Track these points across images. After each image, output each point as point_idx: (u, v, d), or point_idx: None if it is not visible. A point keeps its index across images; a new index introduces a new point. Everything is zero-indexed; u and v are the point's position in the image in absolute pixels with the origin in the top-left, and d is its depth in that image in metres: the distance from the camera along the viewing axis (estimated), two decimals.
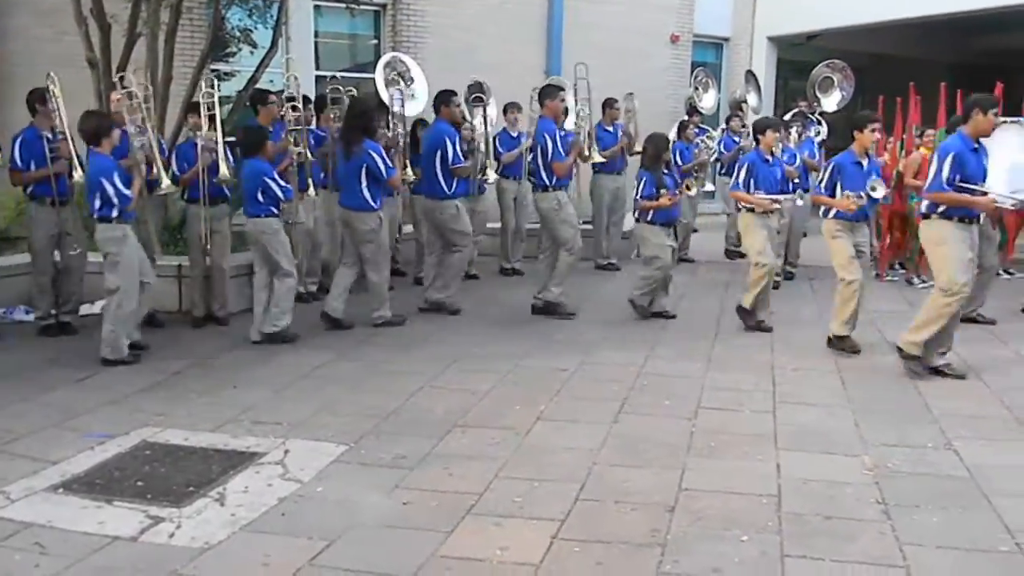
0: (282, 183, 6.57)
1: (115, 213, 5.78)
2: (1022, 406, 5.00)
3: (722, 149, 10.09)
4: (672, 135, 10.42)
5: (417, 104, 8.54)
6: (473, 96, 8.39)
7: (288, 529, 3.49)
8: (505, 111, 9.30)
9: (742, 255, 9.11)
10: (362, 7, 10.69)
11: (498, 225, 9.38)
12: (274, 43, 8.99)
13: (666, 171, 7.27)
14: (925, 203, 5.60)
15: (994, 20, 12.99)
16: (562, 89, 7.52)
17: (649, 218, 7.12)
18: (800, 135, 8.61)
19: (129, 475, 3.99)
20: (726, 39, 15.08)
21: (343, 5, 10.35)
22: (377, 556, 3.28)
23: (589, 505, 3.68)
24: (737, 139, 9.69)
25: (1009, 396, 5.20)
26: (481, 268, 9.10)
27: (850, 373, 5.74)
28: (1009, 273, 9.16)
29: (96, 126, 5.81)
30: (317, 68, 11.32)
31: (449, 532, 3.44)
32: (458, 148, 7.29)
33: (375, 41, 12.03)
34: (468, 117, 8.39)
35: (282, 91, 7.70)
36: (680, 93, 13.01)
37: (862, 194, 6.07)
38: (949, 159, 5.35)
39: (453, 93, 7.54)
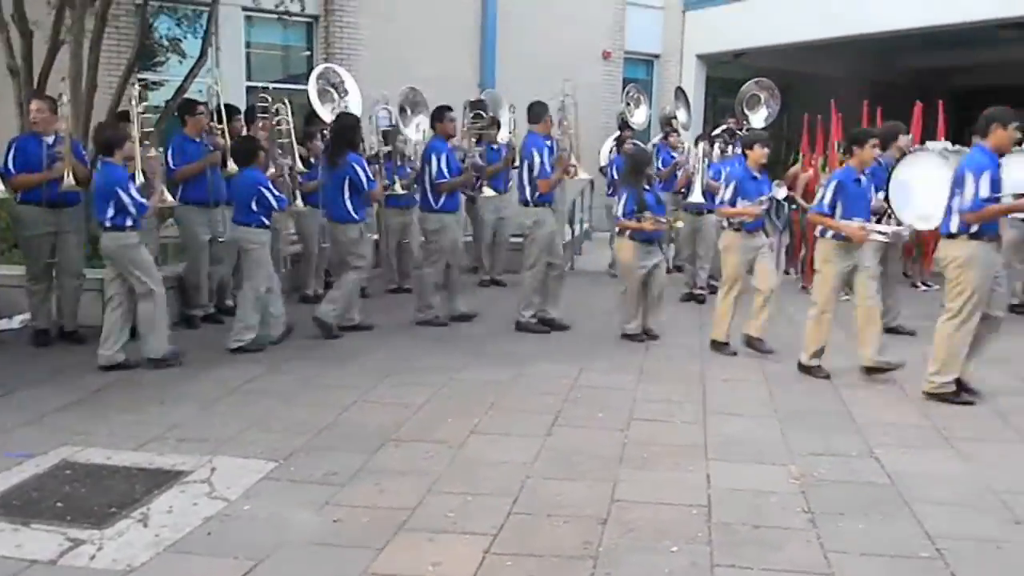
0: (276, 193, 6.62)
1: (129, 222, 5.91)
2: (940, 415, 5.18)
3: (659, 165, 10.24)
4: (608, 150, 10.62)
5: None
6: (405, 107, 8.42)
7: (214, 549, 3.40)
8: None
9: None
10: (294, 18, 10.59)
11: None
12: (203, 53, 8.83)
13: (647, 188, 7.02)
14: (955, 222, 5.28)
15: (914, 40, 13.51)
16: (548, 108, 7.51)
17: (629, 234, 6.95)
18: (723, 151, 8.75)
19: (48, 496, 3.85)
20: (656, 56, 15.36)
21: (275, 16, 10.24)
22: (306, 575, 3.22)
23: (522, 519, 3.68)
24: (675, 155, 9.84)
25: (928, 405, 5.37)
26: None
27: (777, 383, 5.86)
28: (927, 285, 9.48)
29: (109, 137, 5.97)
30: (248, 79, 11.17)
31: (380, 549, 3.40)
32: (442, 164, 7.31)
33: (308, 53, 11.93)
34: (401, 128, 8.38)
35: (206, 102, 7.59)
36: (612, 108, 13.17)
37: (865, 223, 5.84)
38: (986, 177, 5.14)
39: (448, 108, 7.59)
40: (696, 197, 7.48)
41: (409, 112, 8.55)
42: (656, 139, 9.21)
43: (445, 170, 7.31)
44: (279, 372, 5.96)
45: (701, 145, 7.89)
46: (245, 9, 10.73)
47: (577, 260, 11.02)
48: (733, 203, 6.58)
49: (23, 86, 7.47)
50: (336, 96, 8.49)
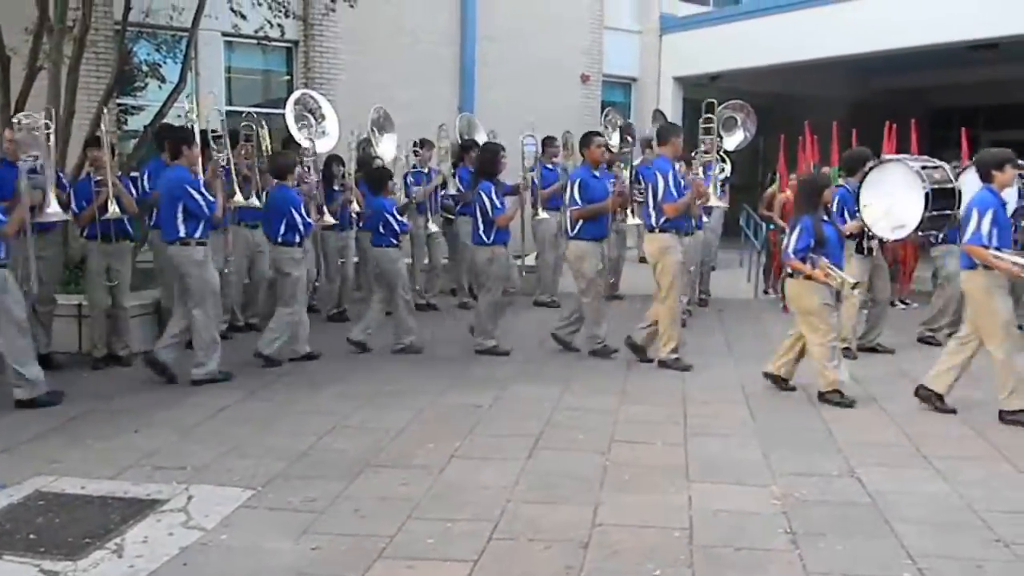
0: (304, 216, 6.89)
1: (297, 239, 6.82)
2: (920, 433, 5.20)
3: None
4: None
5: (329, 140, 8.50)
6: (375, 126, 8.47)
7: None
8: (422, 146, 9.37)
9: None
10: (274, 43, 10.61)
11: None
12: (182, 78, 8.82)
13: (826, 219, 6.18)
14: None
15: (888, 62, 13.70)
16: (680, 129, 7.28)
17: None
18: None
19: (21, 527, 3.78)
20: (634, 79, 15.50)
21: (254, 41, 10.25)
22: None
23: (503, 544, 3.64)
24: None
25: (908, 423, 5.39)
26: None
27: (758, 404, 5.87)
28: (905, 303, 9.56)
29: (281, 164, 6.99)
30: (229, 103, 11.16)
31: None
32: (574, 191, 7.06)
33: (288, 77, 11.95)
34: (376, 148, 8.44)
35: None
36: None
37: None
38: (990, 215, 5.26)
39: (597, 134, 7.51)
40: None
41: (378, 133, 8.58)
42: (637, 161, 9.28)
43: (578, 197, 6.95)
44: (256, 398, 5.91)
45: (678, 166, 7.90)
46: (225, 34, 10.75)
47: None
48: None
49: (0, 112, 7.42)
50: (313, 121, 8.52)
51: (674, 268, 6.69)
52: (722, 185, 10.91)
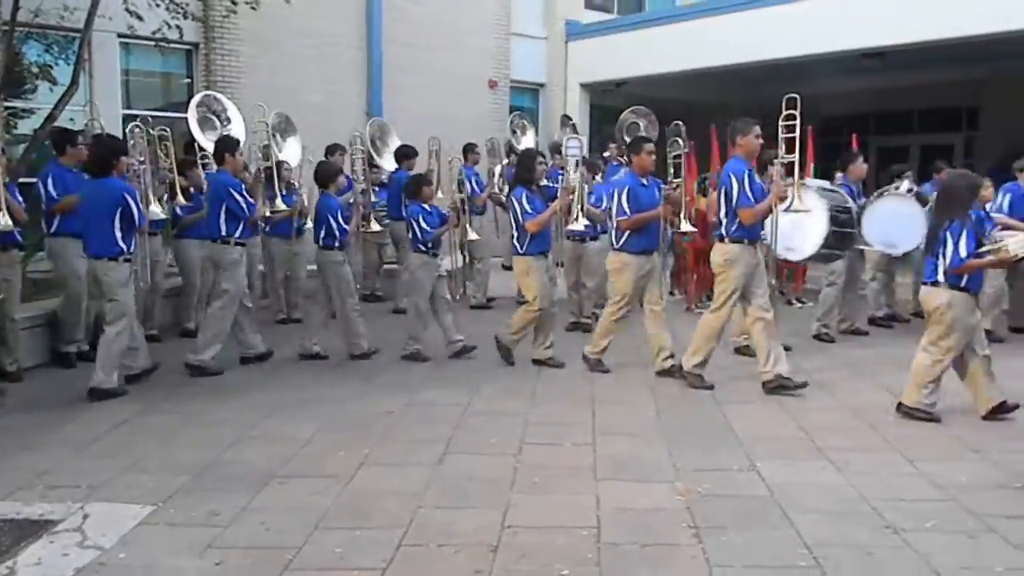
0: (343, 224, 7.30)
1: (337, 244, 7.28)
2: (816, 426, 5.40)
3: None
4: (497, 176, 10.76)
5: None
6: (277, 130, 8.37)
7: None
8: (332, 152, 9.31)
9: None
10: (173, 45, 10.31)
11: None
12: (75, 80, 8.48)
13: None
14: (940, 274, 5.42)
15: (784, 70, 14.19)
16: (757, 124, 6.44)
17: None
18: (595, 176, 8.83)
19: None
20: (541, 85, 15.66)
21: (152, 43, 9.95)
22: None
23: (412, 550, 3.63)
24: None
25: (805, 417, 5.60)
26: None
27: (664, 402, 6.00)
28: (801, 302, 9.92)
29: (325, 171, 7.48)
30: (126, 107, 10.80)
31: None
32: (623, 200, 6.63)
33: (188, 80, 11.63)
34: (276, 152, 8.31)
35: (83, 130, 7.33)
36: (499, 136, 13.37)
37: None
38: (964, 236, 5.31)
39: (647, 140, 7.16)
40: (577, 224, 7.58)
41: (279, 138, 8.47)
42: (549, 165, 9.42)
43: (626, 206, 6.55)
44: (156, 411, 5.73)
45: (580, 171, 8.00)
46: (120, 36, 10.39)
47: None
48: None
49: None
50: (218, 124, 8.36)
51: (736, 282, 6.16)
52: None
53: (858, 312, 8.67)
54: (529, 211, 6.87)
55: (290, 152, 8.80)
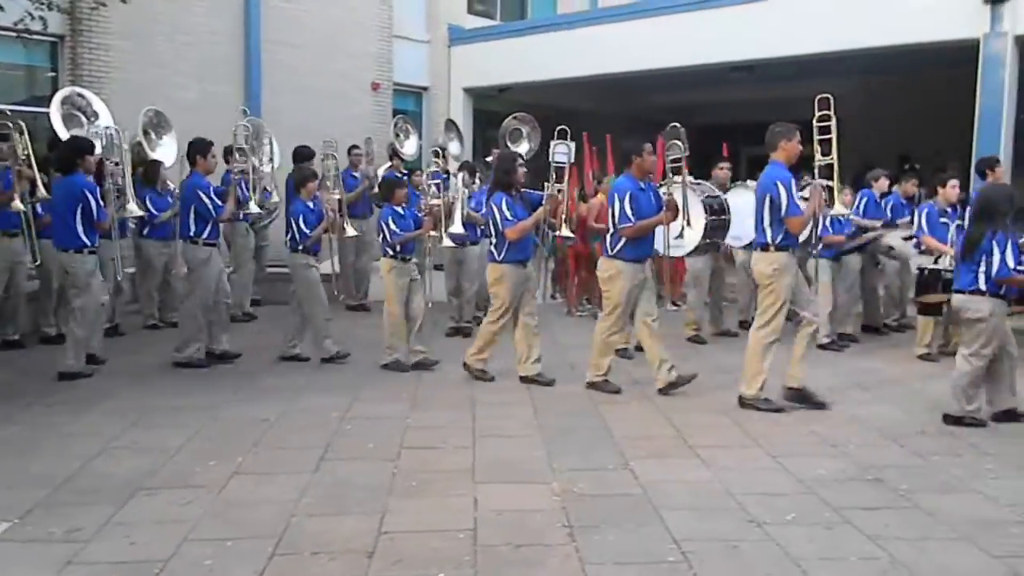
0: (303, 228, 7.22)
1: (301, 247, 7.21)
2: (687, 424, 5.60)
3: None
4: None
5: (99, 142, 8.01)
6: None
7: None
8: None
9: None
10: (37, 37, 9.78)
11: None
12: None
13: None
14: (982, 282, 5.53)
15: (658, 80, 14.67)
16: (799, 129, 6.16)
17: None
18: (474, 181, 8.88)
19: None
20: (425, 88, 15.64)
21: (14, 35, 9.41)
22: None
23: (285, 560, 3.57)
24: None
25: (675, 416, 5.79)
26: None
27: (542, 403, 6.10)
28: (676, 305, 10.24)
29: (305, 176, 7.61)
30: None
31: None
32: (625, 206, 6.32)
33: (53, 74, 11.05)
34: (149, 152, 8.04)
35: None
36: (382, 139, 13.28)
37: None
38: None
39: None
40: (457, 229, 7.61)
41: (154, 136, 8.18)
42: (430, 169, 9.41)
43: (629, 212, 6.20)
44: (12, 422, 5.43)
45: (461, 175, 8.04)
46: None
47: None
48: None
49: None
50: (84, 120, 8.00)
51: (785, 293, 5.88)
52: None
53: (728, 314, 9.05)
54: (509, 218, 6.53)
55: (165, 151, 8.47)
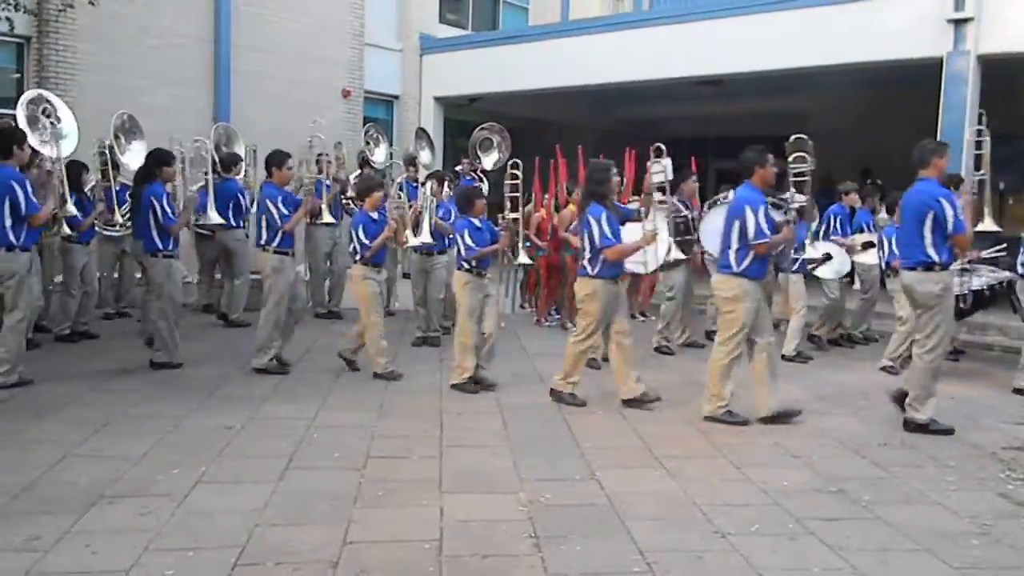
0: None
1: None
2: (653, 435, 5.63)
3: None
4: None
5: (67, 144, 7.91)
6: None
7: None
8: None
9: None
10: (1, 38, 9.65)
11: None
12: None
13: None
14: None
15: (626, 93, 14.79)
16: (946, 146, 6.03)
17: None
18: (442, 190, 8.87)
19: None
20: (396, 97, 15.63)
21: None
22: None
23: (248, 570, 3.53)
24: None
25: (642, 427, 5.83)
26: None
27: (510, 413, 6.10)
28: (644, 316, 10.31)
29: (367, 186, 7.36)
30: None
31: None
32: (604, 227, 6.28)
33: (18, 75, 10.90)
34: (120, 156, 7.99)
35: None
36: (353, 146, 13.25)
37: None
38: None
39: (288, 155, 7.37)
40: (425, 237, 7.58)
41: (124, 140, 8.11)
42: (400, 178, 9.39)
43: (764, 228, 5.89)
44: None
45: (429, 184, 8.04)
46: None
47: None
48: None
49: None
50: (48, 124, 7.89)
51: (745, 317, 5.89)
52: None
53: (697, 325, 9.13)
54: (610, 236, 6.12)
55: (134, 156, 8.39)
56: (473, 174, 10.50)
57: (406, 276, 9.76)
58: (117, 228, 8.89)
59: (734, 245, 5.92)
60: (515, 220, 7.36)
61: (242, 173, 9.60)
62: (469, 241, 6.76)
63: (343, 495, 4.39)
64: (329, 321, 9.78)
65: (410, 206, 7.93)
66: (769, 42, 11.69)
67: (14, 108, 7.91)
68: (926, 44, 10.50)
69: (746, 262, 5.88)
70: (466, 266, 6.80)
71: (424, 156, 10.94)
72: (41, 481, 4.46)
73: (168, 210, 7.06)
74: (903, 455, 5.39)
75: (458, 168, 10.01)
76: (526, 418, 6.02)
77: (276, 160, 7.28)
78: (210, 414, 5.82)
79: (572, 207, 9.26)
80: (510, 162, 7.39)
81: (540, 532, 3.99)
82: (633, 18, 14.53)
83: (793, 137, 7.30)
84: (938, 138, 10.40)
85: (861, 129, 14.50)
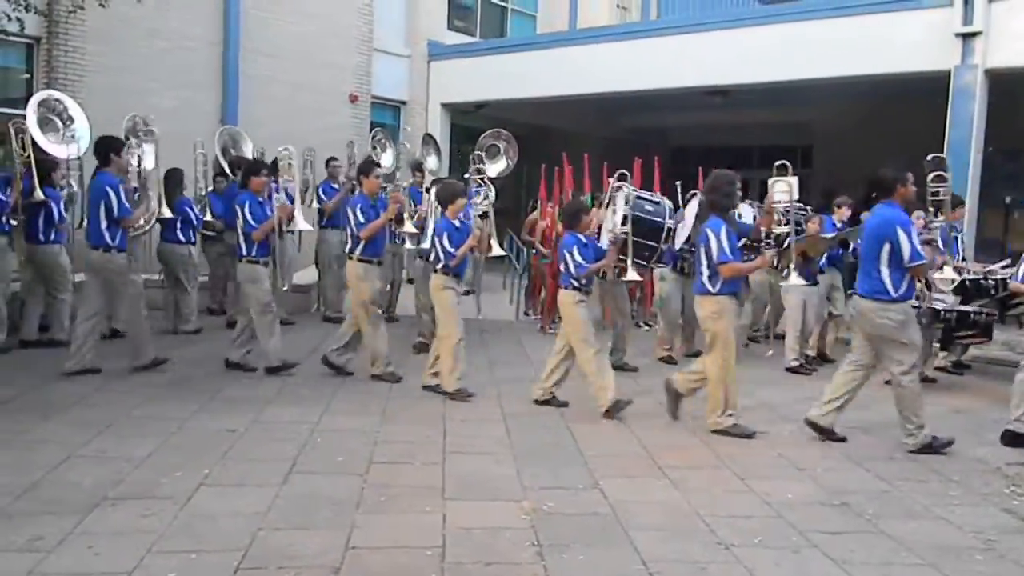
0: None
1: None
2: (657, 445, 5.62)
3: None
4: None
5: (80, 145, 7.98)
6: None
7: None
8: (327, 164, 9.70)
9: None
10: (12, 38, 9.68)
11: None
12: None
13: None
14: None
15: (635, 102, 14.81)
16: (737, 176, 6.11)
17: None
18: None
19: None
20: (403, 102, 15.67)
21: None
22: None
23: (251, 573, 3.52)
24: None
25: (646, 436, 5.82)
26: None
27: (514, 421, 6.09)
28: (648, 325, 10.30)
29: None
30: None
31: None
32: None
33: (27, 76, 10.94)
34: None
35: None
36: (361, 151, 13.28)
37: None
38: None
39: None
40: (428, 243, 7.62)
41: (133, 142, 8.14)
42: (407, 183, 9.40)
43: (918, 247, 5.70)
44: None
45: (435, 190, 8.05)
46: None
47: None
48: None
49: None
50: (60, 125, 7.95)
51: (727, 334, 5.92)
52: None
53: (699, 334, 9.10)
54: (728, 252, 5.79)
55: (146, 159, 8.40)
56: (479, 181, 10.49)
57: (410, 282, 9.76)
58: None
59: (884, 269, 5.57)
60: (534, 209, 7.25)
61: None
62: (579, 258, 6.35)
63: (346, 500, 4.39)
64: (336, 326, 9.74)
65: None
66: (777, 53, 11.71)
67: (24, 109, 7.98)
68: (934, 57, 10.52)
69: (903, 285, 5.59)
70: (575, 284, 6.38)
71: (431, 162, 10.93)
72: (44, 482, 4.46)
73: (123, 202, 6.84)
74: (907, 469, 5.37)
75: (466, 176, 10.00)
76: (529, 426, 6.02)
77: (114, 146, 7.03)
78: (213, 416, 5.82)
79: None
80: (778, 164, 6.87)
81: (543, 540, 3.98)
82: (641, 28, 14.57)
83: (931, 156, 7.21)
84: (944, 153, 10.42)
85: (867, 141, 14.51)
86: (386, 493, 4.52)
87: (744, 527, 4.26)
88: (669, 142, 18.02)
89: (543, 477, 4.90)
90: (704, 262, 5.92)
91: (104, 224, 6.72)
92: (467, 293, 8.77)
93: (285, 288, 8.38)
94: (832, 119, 15.19)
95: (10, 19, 8.80)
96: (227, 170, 9.53)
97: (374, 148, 10.99)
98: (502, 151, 9.85)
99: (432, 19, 15.91)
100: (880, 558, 3.96)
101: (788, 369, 8.09)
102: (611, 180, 7.25)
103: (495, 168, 9.89)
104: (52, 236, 7.89)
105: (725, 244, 5.79)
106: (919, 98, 11.40)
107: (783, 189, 6.71)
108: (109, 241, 6.75)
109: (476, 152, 8.28)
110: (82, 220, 8.08)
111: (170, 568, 3.53)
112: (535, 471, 4.99)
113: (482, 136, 9.85)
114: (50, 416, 5.63)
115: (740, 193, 6.43)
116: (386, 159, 11.13)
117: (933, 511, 4.63)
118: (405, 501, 4.43)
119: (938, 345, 7.79)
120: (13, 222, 7.59)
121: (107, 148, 6.94)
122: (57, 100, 8.10)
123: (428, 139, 11.91)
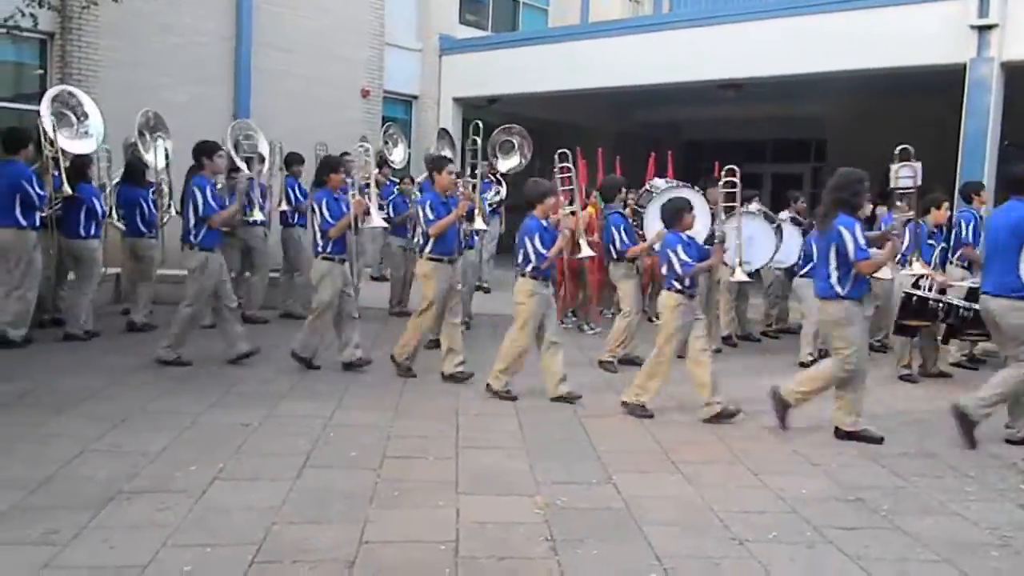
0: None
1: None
2: (670, 440, 5.60)
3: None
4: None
5: (92, 142, 8.02)
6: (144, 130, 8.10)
7: None
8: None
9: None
10: (26, 34, 9.73)
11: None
12: None
13: None
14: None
15: (648, 96, 14.75)
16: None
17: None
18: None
19: None
20: (415, 97, 15.67)
21: (3, 31, 9.35)
22: None
23: (265, 567, 3.53)
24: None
25: (659, 431, 5.81)
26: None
27: (527, 416, 6.08)
28: (659, 318, 10.24)
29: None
30: None
31: None
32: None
33: (41, 71, 10.99)
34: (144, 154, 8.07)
35: None
36: (372, 145, 13.28)
37: None
38: None
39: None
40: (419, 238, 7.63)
41: (148, 137, 8.17)
42: (421, 178, 9.36)
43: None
44: None
45: (524, 189, 8.04)
46: None
47: None
48: None
49: None
50: (75, 119, 8.00)
51: (675, 332, 6.15)
52: (497, 206, 11.27)
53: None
54: (863, 246, 5.51)
55: (156, 154, 8.44)
56: (491, 176, 10.49)
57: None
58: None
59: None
60: (572, 213, 7.26)
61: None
62: (684, 257, 6.02)
63: (359, 494, 4.39)
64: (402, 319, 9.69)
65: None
66: (790, 46, 11.63)
67: (38, 104, 8.02)
68: (949, 50, 10.43)
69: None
70: (677, 286, 6.08)
71: (396, 154, 10.96)
72: (59, 476, 4.49)
73: (208, 201, 7.02)
74: (922, 465, 5.33)
75: (478, 170, 9.97)
76: (542, 420, 6.01)
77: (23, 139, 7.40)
78: (227, 411, 5.84)
79: (591, 209, 9.24)
80: (900, 149, 6.63)
81: (556, 535, 3.98)
82: (653, 21, 14.50)
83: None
84: (961, 146, 10.34)
85: (882, 135, 14.38)
86: (400, 487, 4.53)
87: (758, 522, 4.24)
88: (682, 136, 17.96)
89: (556, 472, 4.89)
90: (833, 263, 5.60)
91: (192, 223, 7.00)
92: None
93: (359, 284, 8.40)
94: (846, 113, 15.10)
95: (24, 15, 8.85)
96: (240, 165, 9.52)
97: (385, 143, 11.01)
98: (516, 146, 9.82)
99: (444, 13, 15.90)
100: (895, 554, 3.94)
101: (801, 364, 8.04)
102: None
103: (507, 164, 9.88)
104: (92, 231, 7.99)
105: (861, 240, 5.51)
106: (934, 92, 11.32)
107: (908, 174, 6.44)
108: (192, 239, 7.01)
109: (471, 145, 8.22)
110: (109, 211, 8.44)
111: (185, 562, 3.54)
112: (548, 466, 4.98)
113: (495, 132, 9.83)
114: (64, 410, 5.66)
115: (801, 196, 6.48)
116: (397, 154, 11.16)
117: (949, 507, 4.59)
118: (419, 495, 4.43)
119: (940, 339, 7.74)
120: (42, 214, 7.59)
121: (200, 152, 7.23)
122: (71, 95, 8.13)
123: (443, 133, 11.90)
